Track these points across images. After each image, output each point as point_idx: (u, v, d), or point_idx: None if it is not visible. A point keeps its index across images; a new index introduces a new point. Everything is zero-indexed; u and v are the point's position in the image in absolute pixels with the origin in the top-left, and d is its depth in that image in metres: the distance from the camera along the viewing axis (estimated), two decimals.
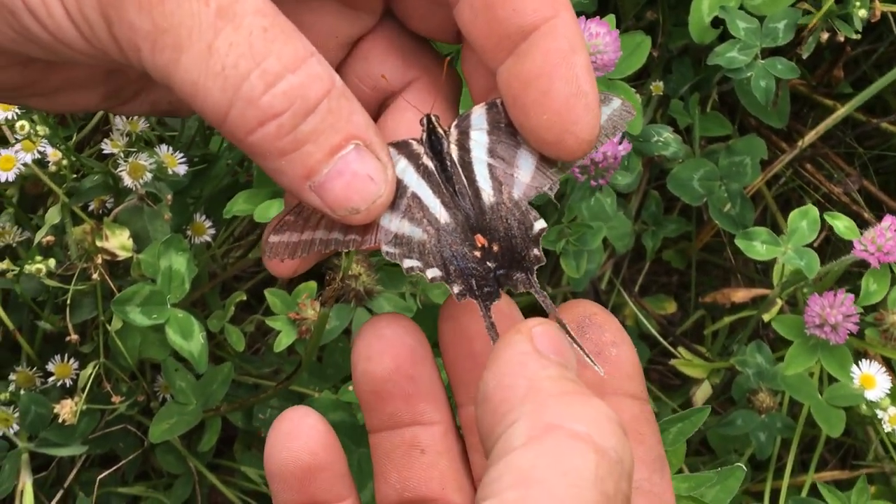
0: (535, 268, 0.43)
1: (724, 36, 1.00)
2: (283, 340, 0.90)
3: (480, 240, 0.43)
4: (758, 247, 0.92)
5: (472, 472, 0.45)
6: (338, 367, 0.98)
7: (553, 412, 0.33)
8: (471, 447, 0.45)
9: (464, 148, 0.44)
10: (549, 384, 0.35)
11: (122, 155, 0.84)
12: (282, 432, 0.43)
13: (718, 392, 1.09)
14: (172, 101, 0.38)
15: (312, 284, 0.92)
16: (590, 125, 0.41)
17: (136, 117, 0.85)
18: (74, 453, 0.93)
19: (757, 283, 1.23)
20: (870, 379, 0.89)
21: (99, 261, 0.85)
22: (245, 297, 0.95)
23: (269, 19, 0.38)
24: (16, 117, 0.82)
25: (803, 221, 0.92)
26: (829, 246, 1.17)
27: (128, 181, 0.84)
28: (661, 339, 1.14)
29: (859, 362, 0.90)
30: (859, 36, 1.00)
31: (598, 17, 0.83)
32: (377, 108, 0.48)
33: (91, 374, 0.88)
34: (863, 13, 0.97)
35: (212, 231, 0.95)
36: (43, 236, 0.86)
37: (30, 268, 0.84)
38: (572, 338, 0.40)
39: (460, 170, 0.44)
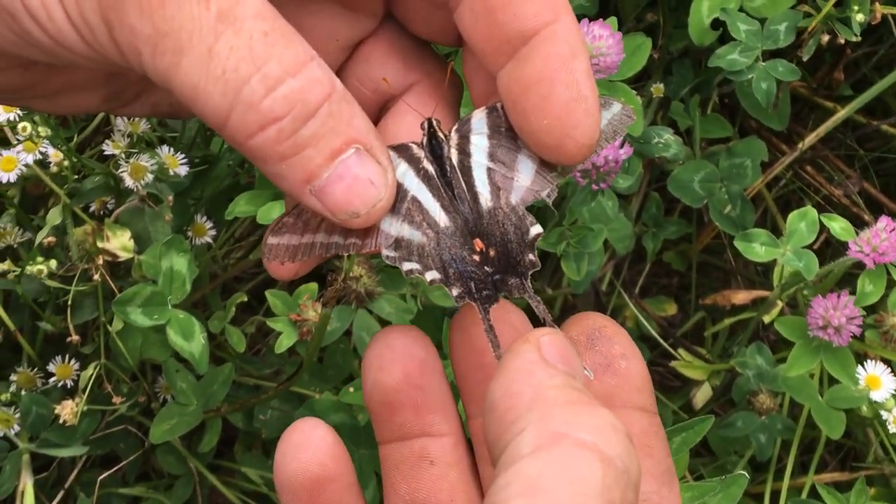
0: (530, 273, 0.43)
1: (724, 38, 1.00)
2: (284, 342, 0.90)
3: (479, 244, 0.43)
4: (757, 248, 0.93)
5: (482, 484, 0.45)
6: (338, 369, 0.98)
7: (559, 421, 0.34)
8: (480, 459, 0.45)
9: (464, 152, 0.44)
10: (556, 393, 0.35)
11: (123, 156, 0.84)
12: (291, 443, 0.43)
13: (719, 394, 1.09)
14: (173, 103, 0.38)
15: (313, 286, 0.92)
16: (590, 130, 0.41)
17: (137, 119, 0.85)
18: (75, 454, 0.94)
19: (757, 284, 1.23)
20: (875, 380, 0.89)
21: (100, 262, 0.85)
22: (246, 298, 0.95)
23: (270, 23, 0.38)
24: (18, 119, 0.82)
25: (802, 223, 0.92)
26: (830, 248, 1.17)
27: (129, 182, 0.84)
28: (661, 341, 1.14)
29: (864, 363, 0.90)
30: (859, 39, 1.00)
31: (599, 19, 0.83)
32: (378, 111, 0.48)
33: (92, 374, 0.88)
34: (860, 17, 0.97)
35: (213, 232, 0.95)
36: (44, 237, 0.86)
37: (31, 269, 0.84)
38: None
39: (460, 174, 0.44)
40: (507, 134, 0.44)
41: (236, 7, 0.37)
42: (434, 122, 0.45)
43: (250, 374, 1.02)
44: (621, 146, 0.86)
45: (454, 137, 0.45)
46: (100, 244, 0.85)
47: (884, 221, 0.88)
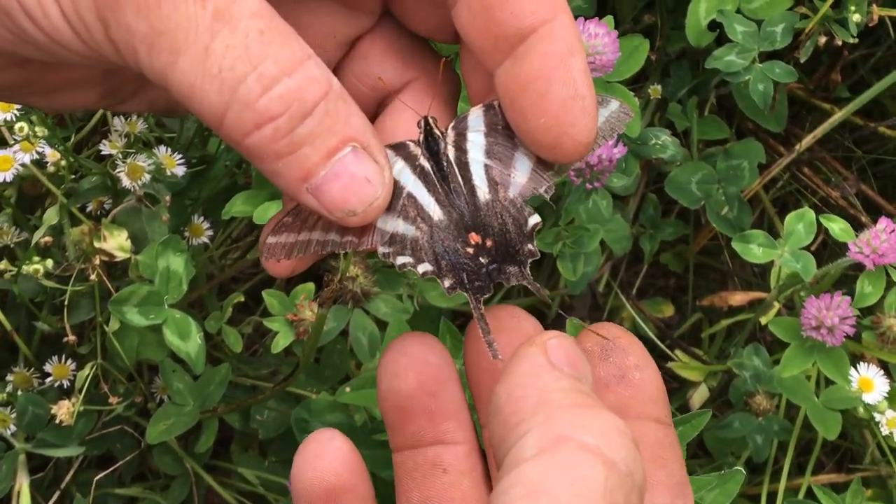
0: (528, 261, 0.44)
1: (721, 39, 1.00)
2: (281, 342, 0.90)
3: (474, 237, 0.43)
4: (754, 249, 0.93)
5: None
6: (335, 369, 0.98)
7: (563, 424, 0.34)
8: (493, 468, 0.45)
9: (461, 149, 0.45)
10: (561, 396, 0.35)
11: (120, 156, 0.84)
12: (308, 453, 0.43)
13: (716, 395, 1.09)
14: (170, 99, 0.38)
15: (310, 286, 0.92)
16: (587, 128, 0.41)
17: (134, 118, 0.85)
18: (71, 454, 0.93)
19: (754, 286, 1.23)
20: (868, 382, 0.89)
21: (97, 262, 0.85)
22: (243, 299, 0.95)
23: (266, 21, 0.38)
24: (15, 118, 0.82)
25: (800, 224, 0.92)
26: (827, 249, 1.17)
27: (126, 182, 0.84)
28: (658, 343, 1.14)
29: (857, 365, 0.90)
30: (856, 40, 1.00)
31: (596, 18, 0.83)
32: (376, 108, 0.48)
33: (88, 374, 0.88)
34: (857, 18, 0.97)
35: (210, 232, 0.95)
36: (41, 237, 0.86)
37: (27, 268, 0.84)
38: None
39: (457, 170, 0.44)
40: (504, 132, 0.44)
41: (232, 6, 0.37)
42: (431, 120, 0.45)
43: (247, 375, 1.02)
44: (615, 145, 0.86)
45: (451, 135, 0.45)
46: (96, 244, 0.85)
47: (883, 223, 0.88)
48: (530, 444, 0.33)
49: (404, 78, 0.47)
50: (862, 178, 1.24)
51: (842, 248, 0.90)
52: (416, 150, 0.45)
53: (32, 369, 0.91)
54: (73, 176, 0.88)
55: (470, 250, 0.43)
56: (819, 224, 0.92)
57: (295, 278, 1.13)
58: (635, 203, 1.16)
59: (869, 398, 0.89)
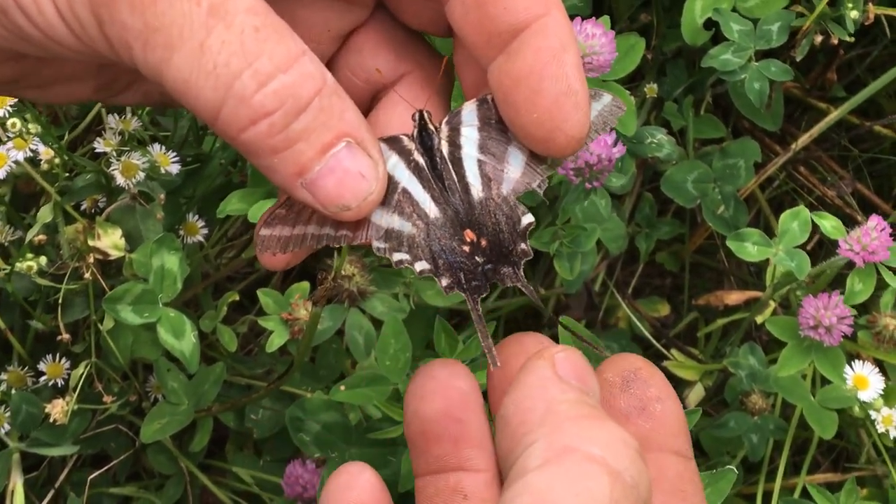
0: (522, 262, 0.44)
1: (717, 38, 1.00)
2: (276, 341, 0.89)
3: (469, 235, 0.43)
4: (749, 248, 0.92)
5: None
6: (330, 368, 0.98)
7: (569, 435, 0.34)
8: None
9: (454, 144, 0.45)
10: (568, 407, 0.35)
11: (114, 154, 0.84)
12: (338, 484, 0.43)
13: (711, 394, 1.09)
14: (164, 93, 0.38)
15: (305, 285, 0.92)
16: (579, 123, 0.41)
17: (128, 116, 0.85)
18: (65, 453, 0.93)
19: (750, 285, 1.23)
20: (863, 380, 0.89)
21: (91, 260, 0.85)
22: (238, 298, 0.95)
23: (261, 18, 0.38)
24: (7, 115, 0.82)
25: (794, 223, 0.92)
26: (823, 249, 1.17)
27: (120, 180, 0.84)
28: (654, 342, 1.14)
29: (852, 363, 0.90)
30: (852, 39, 1.00)
31: (592, 18, 0.83)
32: (370, 101, 0.48)
33: (83, 373, 0.88)
34: (854, 14, 0.97)
35: (205, 231, 0.94)
36: (35, 235, 0.86)
37: (21, 265, 0.83)
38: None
39: (450, 165, 0.44)
40: (498, 126, 0.44)
41: (227, 2, 0.37)
42: (425, 114, 0.45)
43: (242, 374, 1.01)
44: (614, 145, 0.86)
45: (444, 129, 0.45)
46: (91, 242, 0.85)
47: (874, 220, 0.88)
48: (537, 454, 0.34)
49: (398, 71, 0.47)
50: (858, 178, 1.24)
51: (837, 247, 0.90)
52: (411, 145, 0.45)
53: (26, 368, 0.91)
54: (68, 174, 0.88)
55: (466, 248, 0.44)
56: (814, 222, 0.92)
57: (290, 277, 1.13)
58: (631, 202, 1.16)
59: (864, 395, 0.89)
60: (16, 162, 0.83)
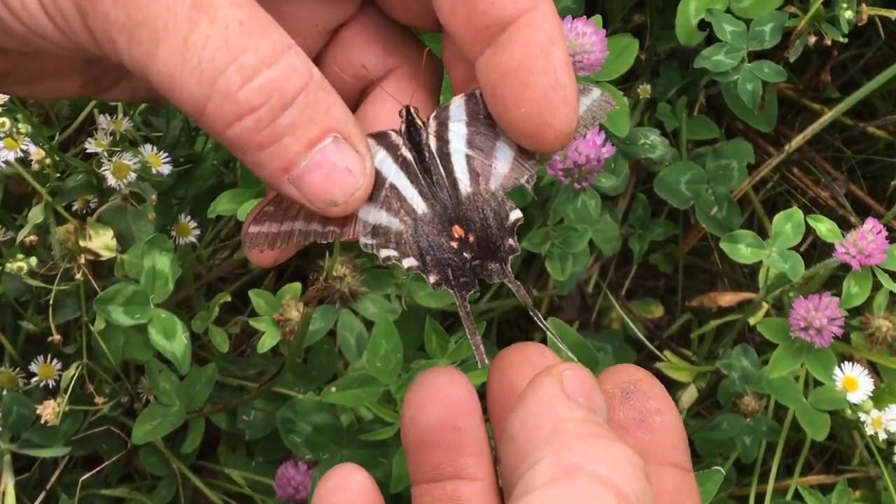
0: (510, 258, 0.44)
1: (711, 39, 1.00)
2: (267, 341, 0.89)
3: (458, 230, 0.43)
4: (742, 250, 0.92)
5: None
6: (322, 369, 0.98)
7: (576, 453, 0.34)
8: None
9: (442, 139, 0.44)
10: (575, 426, 0.35)
11: (105, 154, 0.84)
12: (329, 485, 0.43)
13: (704, 396, 1.09)
14: (151, 88, 0.38)
15: (297, 286, 0.92)
16: (568, 117, 0.41)
17: (120, 116, 0.85)
18: (57, 455, 0.93)
19: (744, 287, 1.23)
20: (852, 381, 0.89)
21: (82, 261, 0.85)
22: (230, 298, 0.95)
23: (246, 12, 0.38)
24: None
25: (788, 224, 0.92)
26: (816, 250, 1.17)
27: (112, 181, 0.84)
28: (647, 343, 1.14)
29: (842, 365, 0.90)
30: (846, 39, 1.00)
31: (584, 17, 0.83)
32: (358, 96, 0.48)
33: (74, 374, 0.88)
34: (849, 14, 0.97)
35: (197, 232, 0.94)
36: (26, 235, 0.86)
37: (11, 266, 0.83)
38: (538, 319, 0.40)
39: (438, 161, 0.44)
40: (486, 121, 0.44)
41: None
42: (412, 110, 0.45)
43: (234, 375, 1.01)
44: (603, 144, 0.86)
45: (432, 124, 0.45)
46: (82, 243, 0.84)
47: (870, 223, 0.88)
48: (542, 472, 0.34)
49: (387, 66, 0.47)
50: (851, 179, 1.24)
51: (831, 249, 0.90)
52: (398, 140, 0.44)
53: (17, 369, 0.91)
54: (59, 174, 0.87)
55: (454, 244, 0.43)
56: (808, 224, 0.92)
57: (284, 278, 1.12)
58: (624, 203, 1.16)
59: (853, 397, 0.89)
60: (6, 162, 0.82)
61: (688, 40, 1.01)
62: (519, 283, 0.43)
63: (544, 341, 0.45)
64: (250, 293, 0.91)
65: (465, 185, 0.44)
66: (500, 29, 0.41)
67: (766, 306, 1.02)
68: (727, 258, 0.95)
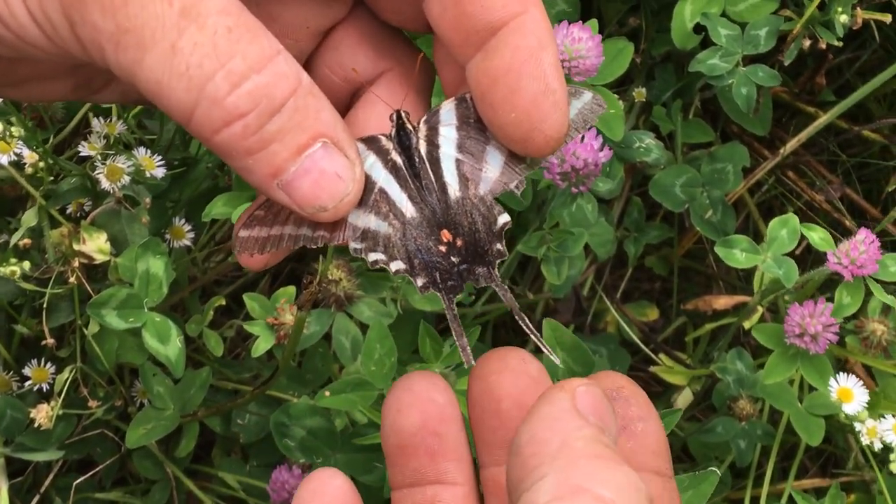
0: (497, 262, 0.44)
1: (707, 43, 1.00)
2: (261, 345, 0.89)
3: (446, 235, 0.43)
4: (737, 255, 0.92)
5: None
6: (317, 373, 0.98)
7: (582, 474, 0.34)
8: None
9: (433, 143, 0.44)
10: (583, 445, 0.35)
11: (99, 157, 0.84)
12: (308, 490, 0.43)
13: (699, 399, 1.09)
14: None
15: (291, 289, 0.92)
16: (558, 123, 0.41)
17: (113, 120, 0.84)
18: (51, 458, 0.93)
19: (739, 290, 1.23)
20: (847, 392, 0.89)
21: (76, 264, 0.84)
22: (224, 302, 0.94)
23: (234, 18, 0.38)
24: None
25: (783, 230, 0.92)
26: (811, 254, 1.17)
27: (105, 184, 0.83)
28: (642, 346, 1.14)
29: (837, 375, 0.90)
30: (841, 43, 1.00)
31: (579, 21, 0.83)
32: (349, 99, 0.48)
33: (68, 378, 0.88)
34: (844, 18, 0.97)
35: (191, 235, 0.94)
36: (19, 239, 0.86)
37: (5, 269, 0.83)
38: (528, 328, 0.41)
39: (428, 165, 0.44)
40: (476, 125, 0.44)
41: (199, 3, 0.37)
42: (403, 114, 0.44)
43: (229, 379, 1.01)
44: (601, 149, 0.86)
45: (423, 129, 0.45)
46: (76, 246, 0.84)
47: (863, 234, 0.88)
48: (546, 489, 0.33)
49: (378, 69, 0.47)
50: (846, 182, 1.24)
51: (825, 255, 0.90)
52: (388, 145, 0.44)
53: (11, 372, 0.91)
54: (53, 178, 0.87)
55: (442, 248, 0.43)
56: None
57: (279, 282, 1.12)
58: (620, 206, 1.16)
59: (849, 409, 0.89)
60: None
61: (683, 44, 1.01)
62: (506, 287, 0.43)
63: (538, 348, 0.45)
64: (245, 297, 0.91)
65: (454, 190, 0.44)
66: (490, 33, 0.40)
67: (760, 310, 1.02)
68: (722, 261, 0.95)
